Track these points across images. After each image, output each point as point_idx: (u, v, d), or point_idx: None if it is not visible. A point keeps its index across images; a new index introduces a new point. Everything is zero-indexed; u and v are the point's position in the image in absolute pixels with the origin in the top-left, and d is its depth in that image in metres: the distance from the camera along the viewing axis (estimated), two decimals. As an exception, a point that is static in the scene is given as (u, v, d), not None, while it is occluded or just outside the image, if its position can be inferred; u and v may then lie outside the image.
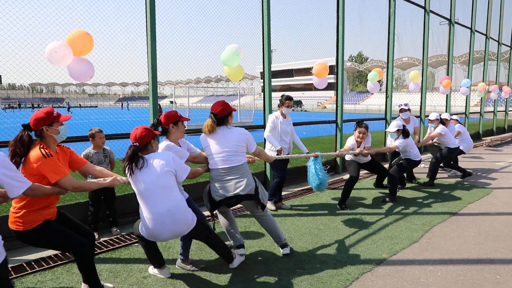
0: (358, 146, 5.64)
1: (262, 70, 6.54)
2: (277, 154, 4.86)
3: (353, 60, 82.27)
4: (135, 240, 4.09)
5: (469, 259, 3.67)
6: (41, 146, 2.64)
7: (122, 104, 64.07)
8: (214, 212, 3.66)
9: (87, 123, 23.77)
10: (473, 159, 9.58)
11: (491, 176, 7.66)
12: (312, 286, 3.12)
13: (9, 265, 3.50)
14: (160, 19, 4.93)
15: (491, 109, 17.12)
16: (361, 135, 5.56)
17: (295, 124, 7.68)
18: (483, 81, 14.19)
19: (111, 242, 4.10)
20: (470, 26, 12.86)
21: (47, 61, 3.92)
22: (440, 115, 7.43)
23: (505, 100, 17.76)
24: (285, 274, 3.34)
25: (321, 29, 8.36)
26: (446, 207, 5.43)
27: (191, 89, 21.11)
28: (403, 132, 6.01)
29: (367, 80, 7.90)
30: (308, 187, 6.69)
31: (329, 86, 6.42)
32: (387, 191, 6.10)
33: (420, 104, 10.73)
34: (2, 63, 5.12)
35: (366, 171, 8.03)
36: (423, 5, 10.20)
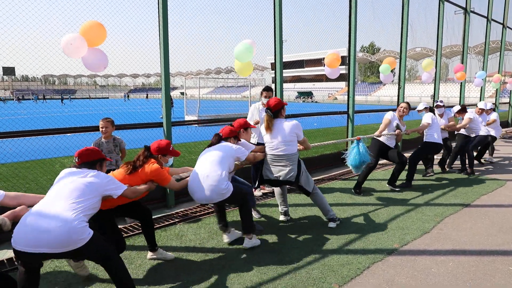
0: (400, 121, 5.93)
1: (272, 61, 6.52)
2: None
3: (365, 51, 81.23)
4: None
5: (481, 250, 3.66)
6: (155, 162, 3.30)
7: (127, 96, 64.74)
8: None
9: (97, 114, 24.07)
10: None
11: (505, 168, 7.56)
12: (322, 274, 3.16)
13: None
14: (170, 9, 4.95)
15: (507, 100, 16.78)
16: (404, 108, 5.92)
17: (306, 115, 7.71)
18: (498, 72, 13.89)
19: (125, 230, 4.19)
20: (486, 15, 12.55)
21: (60, 52, 4.00)
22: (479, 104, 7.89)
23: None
24: (296, 261, 3.38)
25: (333, 19, 8.24)
26: (459, 198, 5.39)
27: (202, 80, 21.12)
28: (430, 110, 6.58)
29: (379, 71, 7.81)
30: (318, 177, 6.71)
31: (340, 77, 6.39)
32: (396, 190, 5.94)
33: (433, 95, 10.57)
34: (16, 56, 5.22)
35: (380, 163, 7.98)
36: (438, -6, 9.99)
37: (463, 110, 7.49)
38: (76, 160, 2.78)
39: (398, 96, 9.15)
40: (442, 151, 7.35)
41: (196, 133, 10.71)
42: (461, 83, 11.31)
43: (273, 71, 6.69)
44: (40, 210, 2.41)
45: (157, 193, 5.05)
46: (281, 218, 4.50)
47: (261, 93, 5.55)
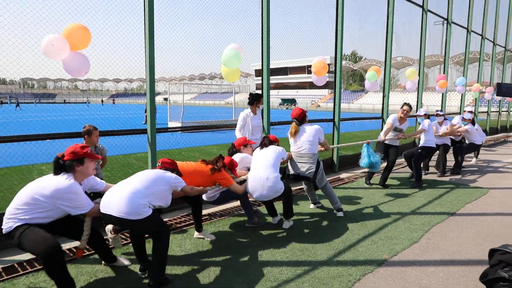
0: (401, 123, 6.61)
1: (257, 68, 6.49)
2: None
3: (347, 59, 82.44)
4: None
5: (470, 260, 3.65)
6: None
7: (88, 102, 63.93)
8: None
9: (74, 119, 23.50)
10: (468, 158, 9.61)
11: (486, 176, 7.69)
12: (313, 287, 3.07)
13: (0, 266, 3.40)
14: (155, 13, 4.81)
15: (485, 109, 17.24)
16: (405, 111, 6.52)
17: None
18: (478, 82, 14.27)
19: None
20: (466, 26, 12.89)
21: (40, 55, 3.82)
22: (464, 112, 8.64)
23: (498, 101, 17.89)
24: (285, 274, 3.28)
25: (317, 27, 8.27)
26: (444, 207, 5.42)
27: (185, 86, 20.91)
28: (429, 117, 7.15)
29: (361, 79, 7.94)
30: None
31: (323, 85, 6.48)
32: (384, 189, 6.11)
33: (416, 104, 10.73)
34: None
35: (362, 171, 8.02)
36: (421, 4, 10.19)
37: (472, 121, 8.34)
38: (159, 165, 3.45)
39: (383, 104, 9.24)
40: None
41: (180, 140, 10.54)
42: (442, 94, 11.55)
43: (258, 78, 6.65)
44: (120, 185, 3.10)
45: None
46: (311, 206, 5.37)
47: (254, 103, 5.51)
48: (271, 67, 6.42)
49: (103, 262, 3.45)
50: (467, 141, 8.37)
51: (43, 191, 2.78)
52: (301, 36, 8.54)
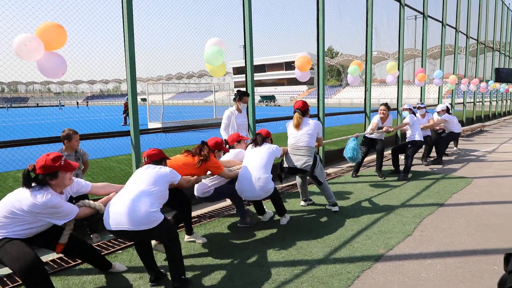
0: (383, 121, 6.91)
1: (235, 66, 6.47)
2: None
3: (324, 55, 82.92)
4: (119, 247, 3.83)
5: (465, 250, 3.66)
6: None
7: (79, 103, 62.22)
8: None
9: (50, 123, 22.72)
10: (448, 149, 9.80)
11: (468, 166, 7.84)
12: (312, 287, 2.99)
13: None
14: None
15: (460, 100, 17.69)
16: (382, 111, 6.85)
17: (278, 119, 7.59)
18: (453, 74, 14.59)
19: (105, 247, 3.80)
20: (441, 20, 13.14)
21: (11, 56, 3.59)
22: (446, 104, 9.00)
23: (473, 92, 18.40)
24: (283, 275, 3.19)
25: (294, 24, 8.17)
26: (432, 198, 5.46)
27: (162, 85, 20.48)
28: (413, 113, 7.31)
29: (338, 74, 8.01)
30: (290, 183, 6.60)
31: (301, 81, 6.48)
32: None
33: (397, 97, 10.85)
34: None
35: (349, 165, 8.04)
36: (399, -1, 10.29)
37: (447, 110, 8.67)
38: (145, 159, 3.29)
39: (365, 98, 9.28)
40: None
41: (162, 141, 10.29)
42: (421, 87, 11.73)
43: (236, 76, 6.55)
44: (122, 196, 2.91)
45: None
46: (301, 203, 5.24)
47: (241, 98, 5.44)
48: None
49: (99, 270, 3.31)
50: (446, 131, 8.70)
51: (21, 206, 2.58)
52: (282, 32, 8.45)
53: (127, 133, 4.71)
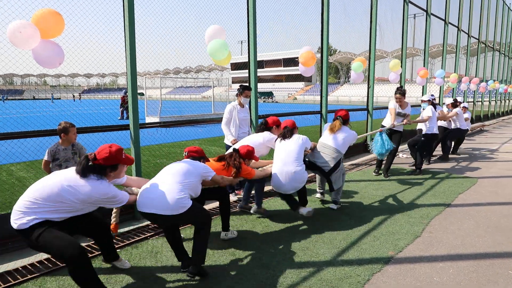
0: (402, 108, 6.65)
1: (233, 61, 6.18)
2: (233, 144, 5.05)
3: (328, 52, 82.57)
4: (116, 246, 3.67)
5: (476, 253, 3.53)
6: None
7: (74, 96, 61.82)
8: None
9: (44, 116, 22.44)
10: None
11: (472, 166, 7.74)
12: (321, 291, 2.85)
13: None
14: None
15: (460, 99, 17.59)
16: (397, 99, 6.59)
17: (281, 115, 7.44)
18: (455, 72, 14.48)
19: (90, 249, 3.64)
20: (444, 18, 13.01)
21: (6, 49, 3.42)
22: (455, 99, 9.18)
23: (473, 91, 18.31)
24: (290, 278, 3.05)
25: (295, 21, 7.97)
26: (439, 198, 5.34)
27: (159, 80, 20.16)
28: (433, 104, 7.29)
29: (336, 71, 7.88)
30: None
31: (299, 78, 6.35)
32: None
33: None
34: None
35: (350, 163, 7.91)
36: (403, -4, 10.13)
37: (454, 104, 8.82)
38: (185, 154, 3.44)
39: (368, 95, 9.14)
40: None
41: (160, 135, 10.11)
42: (423, 85, 11.60)
43: (234, 71, 6.38)
44: (154, 182, 3.05)
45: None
46: (317, 196, 5.31)
47: (242, 92, 5.29)
48: (245, 60, 6.14)
49: (103, 260, 3.25)
50: (452, 127, 8.67)
51: (76, 194, 2.56)
52: (278, 29, 8.22)
53: (126, 127, 4.53)
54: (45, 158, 3.86)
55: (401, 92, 6.60)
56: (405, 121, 6.56)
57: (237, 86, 5.74)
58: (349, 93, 53.03)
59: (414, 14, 15.00)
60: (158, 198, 2.90)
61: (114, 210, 3.27)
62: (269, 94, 57.93)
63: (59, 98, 67.28)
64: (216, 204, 5.08)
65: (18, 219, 2.49)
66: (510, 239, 3.89)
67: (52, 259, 3.37)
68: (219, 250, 3.61)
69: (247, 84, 5.81)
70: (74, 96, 67.93)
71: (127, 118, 19.79)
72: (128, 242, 3.78)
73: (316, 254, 3.49)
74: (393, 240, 3.82)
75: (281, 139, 4.44)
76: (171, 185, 2.97)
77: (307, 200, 4.62)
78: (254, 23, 5.89)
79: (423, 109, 7.30)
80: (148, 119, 17.19)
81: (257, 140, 4.58)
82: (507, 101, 25.69)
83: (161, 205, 2.89)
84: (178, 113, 19.81)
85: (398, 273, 3.14)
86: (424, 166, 7.57)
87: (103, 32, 4.99)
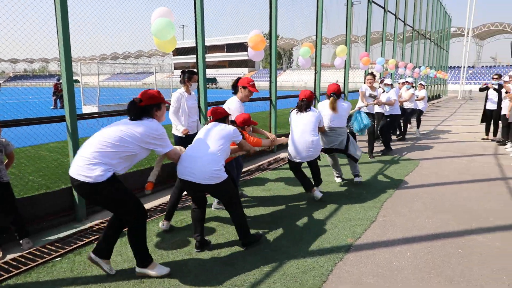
0: (373, 90, 7.29)
1: (178, 46, 5.78)
2: (184, 135, 4.81)
3: (265, 38, 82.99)
4: (56, 254, 3.27)
5: (428, 234, 3.67)
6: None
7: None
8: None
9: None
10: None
11: (411, 148, 8.17)
12: (286, 286, 2.75)
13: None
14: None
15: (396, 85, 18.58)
16: (369, 81, 7.26)
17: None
18: (393, 58, 15.19)
19: (23, 260, 3.20)
20: (383, 6, 13.49)
21: None
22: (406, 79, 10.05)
23: (408, 76, 19.40)
24: (253, 275, 2.91)
25: (239, 5, 7.68)
26: (387, 181, 5.53)
27: (95, 66, 18.69)
28: (392, 86, 7.81)
29: (279, 57, 7.85)
30: (246, 168, 6.32)
31: (242, 63, 6.18)
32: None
33: (343, 80, 10.99)
34: None
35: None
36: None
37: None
38: (210, 118, 3.49)
39: (315, 80, 9.22)
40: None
41: (98, 126, 9.41)
42: (365, 71, 12.00)
43: (176, 57, 6.06)
44: (191, 150, 3.22)
45: (64, 204, 4.06)
46: (337, 180, 5.57)
47: (190, 78, 4.96)
48: (188, 45, 5.82)
49: (91, 255, 2.93)
50: (405, 107, 9.47)
51: (134, 135, 2.68)
52: (218, 14, 7.89)
53: (62, 119, 4.04)
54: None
55: (373, 74, 7.38)
56: (375, 101, 7.26)
57: (179, 72, 5.37)
58: (291, 79, 53.88)
59: (352, 2, 15.38)
60: (197, 167, 3.06)
61: (154, 169, 3.19)
62: (213, 80, 56.89)
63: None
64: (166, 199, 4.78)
65: (91, 171, 2.53)
66: (456, 217, 4.10)
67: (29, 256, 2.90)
68: (171, 245, 3.36)
69: (193, 70, 5.47)
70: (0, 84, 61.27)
71: (62, 107, 18.23)
72: (69, 248, 3.38)
73: (278, 247, 3.39)
74: (350, 226, 3.84)
75: (297, 111, 4.71)
76: (211, 155, 3.13)
77: (321, 179, 4.91)
78: (202, 6, 5.56)
79: (386, 92, 7.74)
80: (86, 108, 15.97)
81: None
82: (436, 85, 27.73)
83: (198, 174, 3.06)
84: (118, 101, 18.63)
85: (359, 260, 3.15)
86: (378, 149, 7.84)
87: (31, 10, 4.36)
